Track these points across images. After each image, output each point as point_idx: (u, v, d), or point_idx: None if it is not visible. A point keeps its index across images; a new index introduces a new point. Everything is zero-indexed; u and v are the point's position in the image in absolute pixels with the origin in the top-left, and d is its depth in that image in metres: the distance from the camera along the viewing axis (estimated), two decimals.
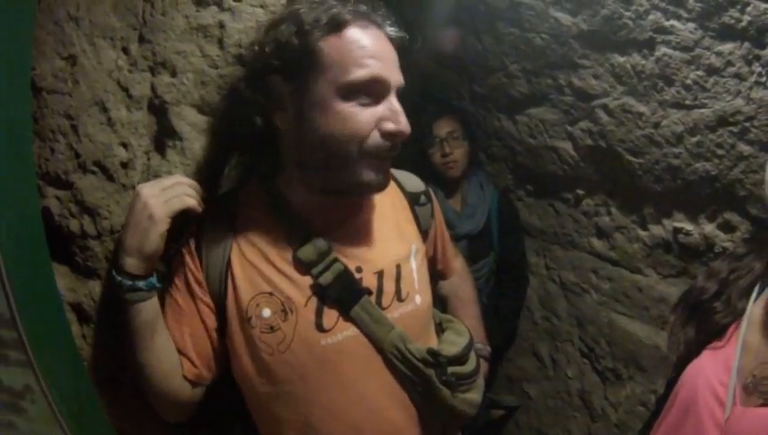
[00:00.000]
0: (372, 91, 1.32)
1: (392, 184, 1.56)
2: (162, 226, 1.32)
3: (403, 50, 1.42)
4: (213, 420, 1.63)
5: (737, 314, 1.31)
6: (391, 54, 1.36)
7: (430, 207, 1.71)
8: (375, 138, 1.33)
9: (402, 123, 1.33)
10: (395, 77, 1.35)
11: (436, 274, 1.89)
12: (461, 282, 2.04)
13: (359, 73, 1.29)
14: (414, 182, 1.71)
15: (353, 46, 1.31)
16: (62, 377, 1.17)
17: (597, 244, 2.83)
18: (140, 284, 1.34)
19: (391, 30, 1.39)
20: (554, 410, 3.17)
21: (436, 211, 1.77)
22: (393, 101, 1.34)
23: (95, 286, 1.47)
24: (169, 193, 1.35)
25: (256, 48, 1.39)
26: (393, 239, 1.54)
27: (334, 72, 1.30)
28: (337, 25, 1.31)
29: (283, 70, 1.33)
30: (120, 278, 1.33)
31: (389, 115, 1.33)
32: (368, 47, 1.31)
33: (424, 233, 1.68)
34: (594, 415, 2.89)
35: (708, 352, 1.31)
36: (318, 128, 1.32)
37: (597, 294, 2.87)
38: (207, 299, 1.42)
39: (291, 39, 1.31)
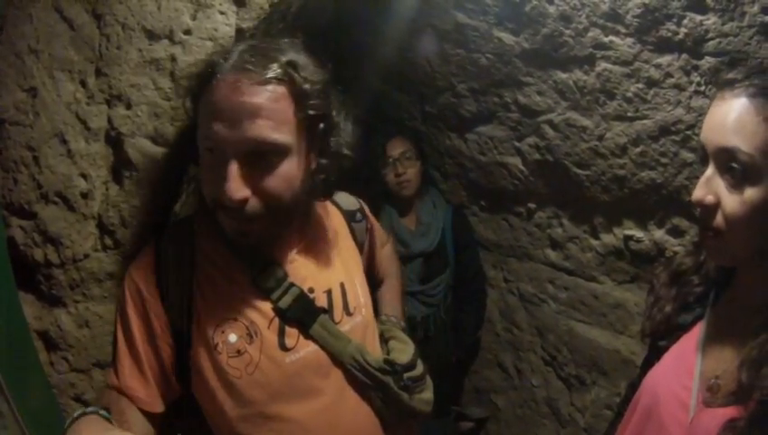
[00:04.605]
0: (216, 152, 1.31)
1: (330, 205, 1.67)
2: None
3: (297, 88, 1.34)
4: None
5: (712, 285, 1.34)
6: (245, 113, 1.28)
7: (365, 222, 1.80)
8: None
9: (226, 190, 1.27)
10: (239, 139, 1.28)
11: (375, 282, 1.95)
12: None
13: (204, 143, 1.32)
14: (349, 201, 1.79)
15: (208, 108, 1.30)
16: (32, 403, 1.19)
17: (551, 255, 2.88)
18: None
19: (273, 74, 1.31)
20: (523, 418, 3.20)
21: (373, 225, 1.84)
22: (228, 167, 1.28)
23: (60, 314, 1.48)
24: None
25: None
26: (335, 259, 1.61)
27: (199, 128, 1.34)
28: (208, 79, 1.31)
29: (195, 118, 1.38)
30: None
31: (222, 181, 1.29)
32: (218, 111, 1.28)
33: (360, 246, 1.75)
34: (562, 421, 2.92)
35: (668, 358, 1.33)
36: None
37: (555, 304, 2.91)
38: (168, 335, 1.44)
39: (192, 87, 1.37)
